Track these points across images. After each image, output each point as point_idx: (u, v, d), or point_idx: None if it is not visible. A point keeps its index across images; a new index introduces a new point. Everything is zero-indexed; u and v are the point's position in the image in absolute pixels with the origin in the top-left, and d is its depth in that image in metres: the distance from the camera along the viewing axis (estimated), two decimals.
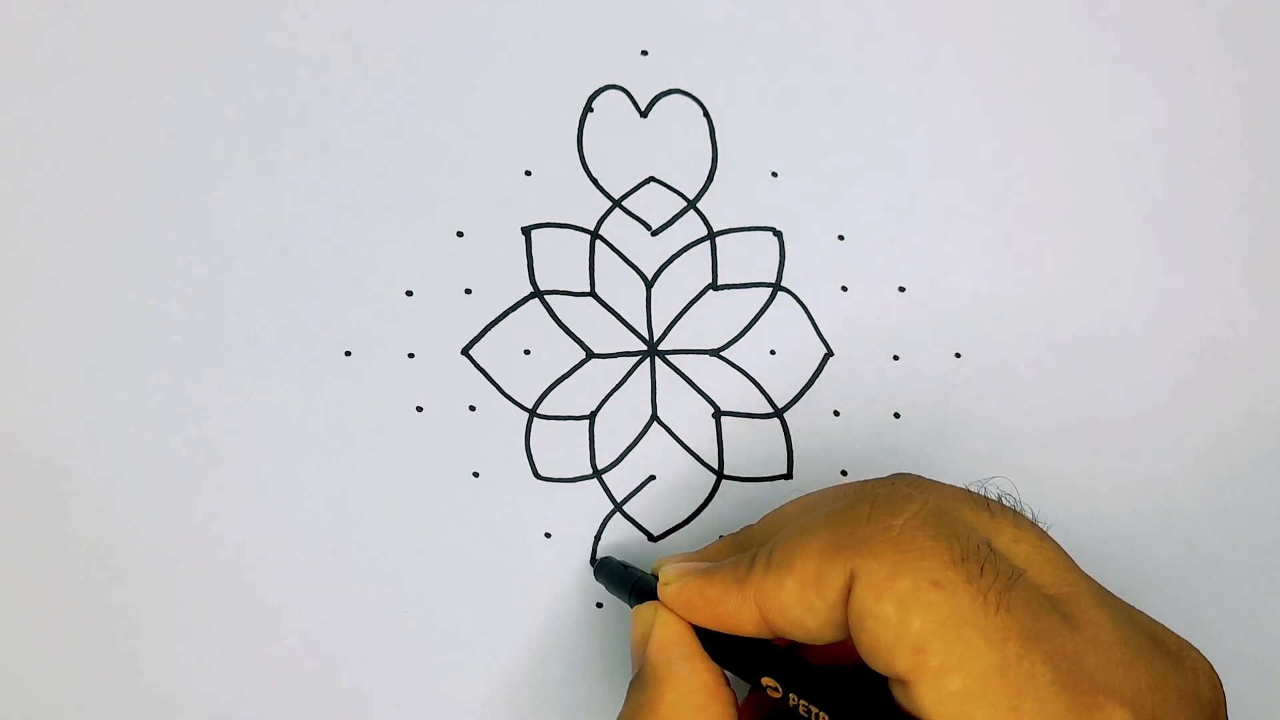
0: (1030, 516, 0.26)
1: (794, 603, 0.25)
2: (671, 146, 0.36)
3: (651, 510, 0.34)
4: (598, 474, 0.34)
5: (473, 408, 0.34)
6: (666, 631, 0.28)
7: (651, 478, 0.34)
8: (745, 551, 0.28)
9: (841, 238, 0.35)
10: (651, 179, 0.35)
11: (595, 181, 0.35)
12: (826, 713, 0.25)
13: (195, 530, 0.34)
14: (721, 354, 0.35)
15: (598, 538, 0.34)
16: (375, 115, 0.35)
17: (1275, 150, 0.36)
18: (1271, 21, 0.37)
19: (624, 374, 0.35)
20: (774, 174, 0.36)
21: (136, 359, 0.34)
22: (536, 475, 0.34)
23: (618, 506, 0.34)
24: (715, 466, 0.35)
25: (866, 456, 0.35)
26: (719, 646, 0.28)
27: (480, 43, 0.36)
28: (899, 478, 0.27)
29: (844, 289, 0.35)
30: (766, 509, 0.34)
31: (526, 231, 0.35)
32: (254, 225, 0.35)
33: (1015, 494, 0.26)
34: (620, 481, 0.34)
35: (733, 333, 0.35)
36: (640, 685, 0.28)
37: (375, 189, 0.35)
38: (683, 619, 0.28)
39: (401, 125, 0.35)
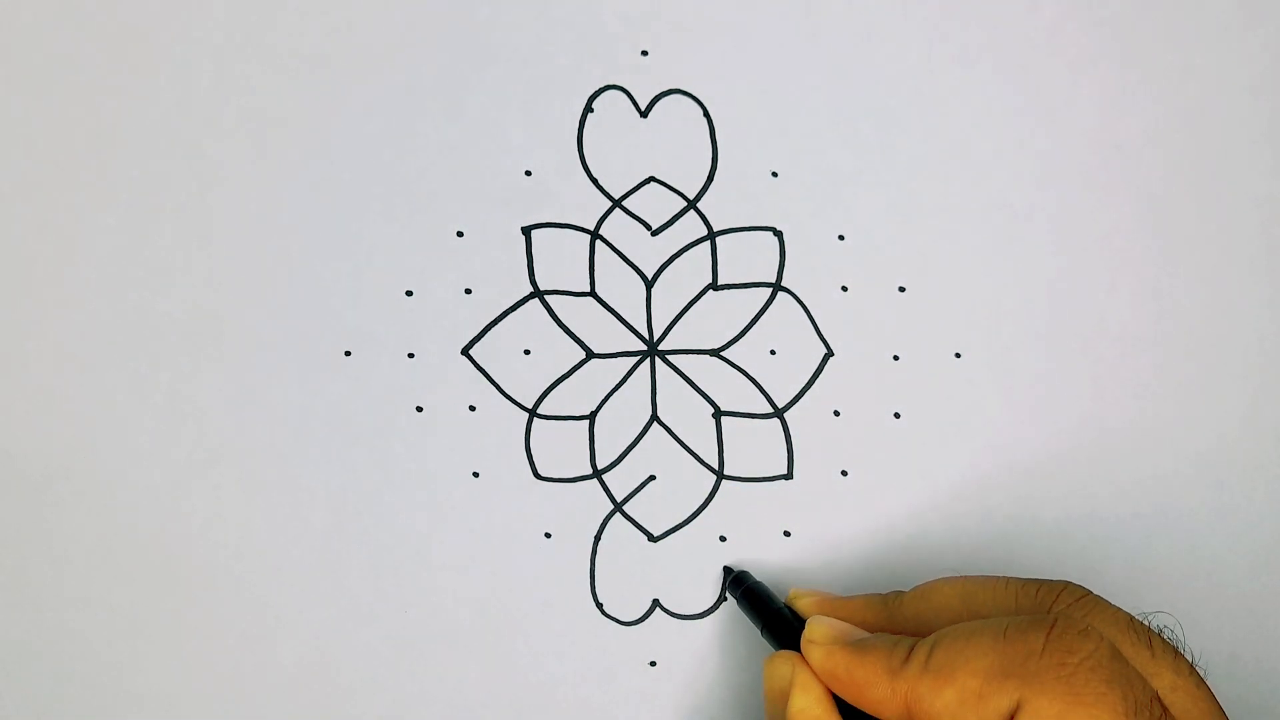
0: (1190, 659, 0.26)
1: (948, 714, 0.25)
2: (671, 146, 0.36)
3: (651, 510, 0.34)
4: (598, 474, 0.34)
5: (473, 408, 0.34)
6: (808, 699, 0.28)
7: (651, 478, 0.34)
8: (895, 628, 0.28)
9: (841, 238, 0.35)
10: (651, 179, 0.35)
11: (595, 181, 0.35)
12: None
13: (195, 530, 0.34)
14: (721, 354, 0.35)
15: (598, 538, 0.34)
16: (375, 115, 0.35)
17: (1275, 150, 0.36)
18: (1271, 21, 0.37)
19: (624, 374, 0.35)
20: (774, 174, 0.36)
21: (136, 359, 0.34)
22: (536, 475, 0.34)
23: (618, 506, 0.34)
24: (715, 466, 0.35)
25: (866, 456, 0.35)
26: (856, 717, 0.27)
27: (480, 43, 0.36)
28: (1066, 591, 0.27)
29: (844, 289, 0.35)
30: (767, 509, 0.34)
31: (526, 231, 0.35)
32: (254, 225, 0.35)
33: (1178, 632, 0.27)
34: (620, 481, 0.34)
35: (733, 333, 0.35)
36: None
37: (375, 189, 0.35)
38: (813, 678, 0.28)
39: (401, 125, 0.35)
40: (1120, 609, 0.26)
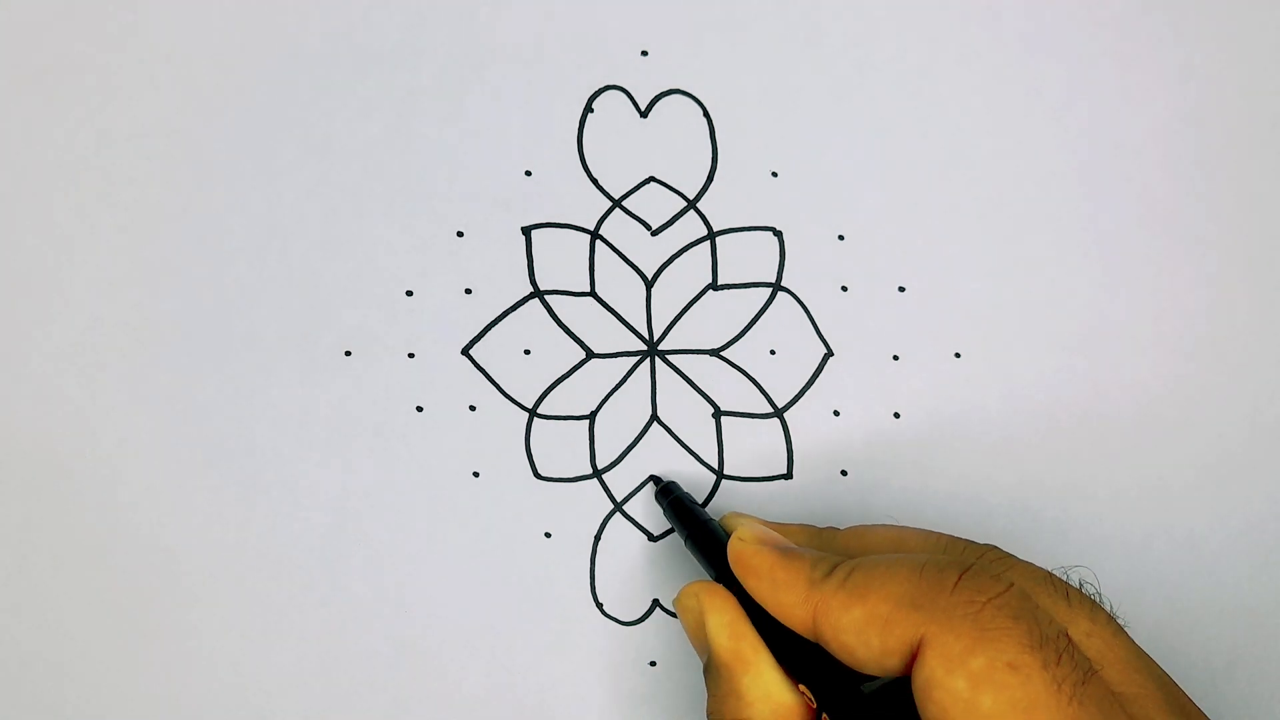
0: (1108, 610, 0.26)
1: (853, 631, 0.25)
2: (671, 146, 0.36)
3: (651, 510, 0.34)
4: (598, 474, 0.34)
5: (473, 408, 0.34)
6: (723, 617, 0.28)
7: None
8: (821, 553, 0.28)
9: (841, 238, 0.35)
10: (651, 179, 0.35)
11: (595, 181, 0.35)
12: None
13: (195, 530, 0.34)
14: (721, 354, 0.35)
15: (598, 538, 0.34)
16: (375, 115, 0.35)
17: (1275, 150, 0.36)
18: (1271, 21, 0.37)
19: (624, 374, 0.35)
20: (774, 174, 0.36)
21: (136, 359, 0.34)
22: (536, 475, 0.34)
23: (618, 506, 0.34)
24: (715, 466, 0.35)
25: (866, 456, 0.35)
26: (768, 629, 0.28)
27: (480, 43, 0.36)
28: (990, 550, 0.27)
29: (844, 289, 0.35)
30: (767, 509, 0.34)
31: (526, 231, 0.35)
32: (254, 225, 0.35)
33: (1096, 584, 0.27)
34: (620, 481, 0.34)
35: (733, 333, 0.35)
36: (715, 674, 0.28)
37: (375, 189, 0.35)
38: (731, 597, 0.28)
39: (401, 125, 0.35)
40: (1039, 566, 0.27)
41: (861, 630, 0.25)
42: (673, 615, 0.34)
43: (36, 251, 0.34)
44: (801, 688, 0.27)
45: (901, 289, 0.35)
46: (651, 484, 0.34)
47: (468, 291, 0.35)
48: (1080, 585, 0.27)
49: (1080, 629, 0.25)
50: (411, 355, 0.34)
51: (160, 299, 0.34)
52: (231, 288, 0.34)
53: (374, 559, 0.34)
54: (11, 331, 0.34)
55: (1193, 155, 0.36)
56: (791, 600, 0.27)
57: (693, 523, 0.31)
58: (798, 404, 0.35)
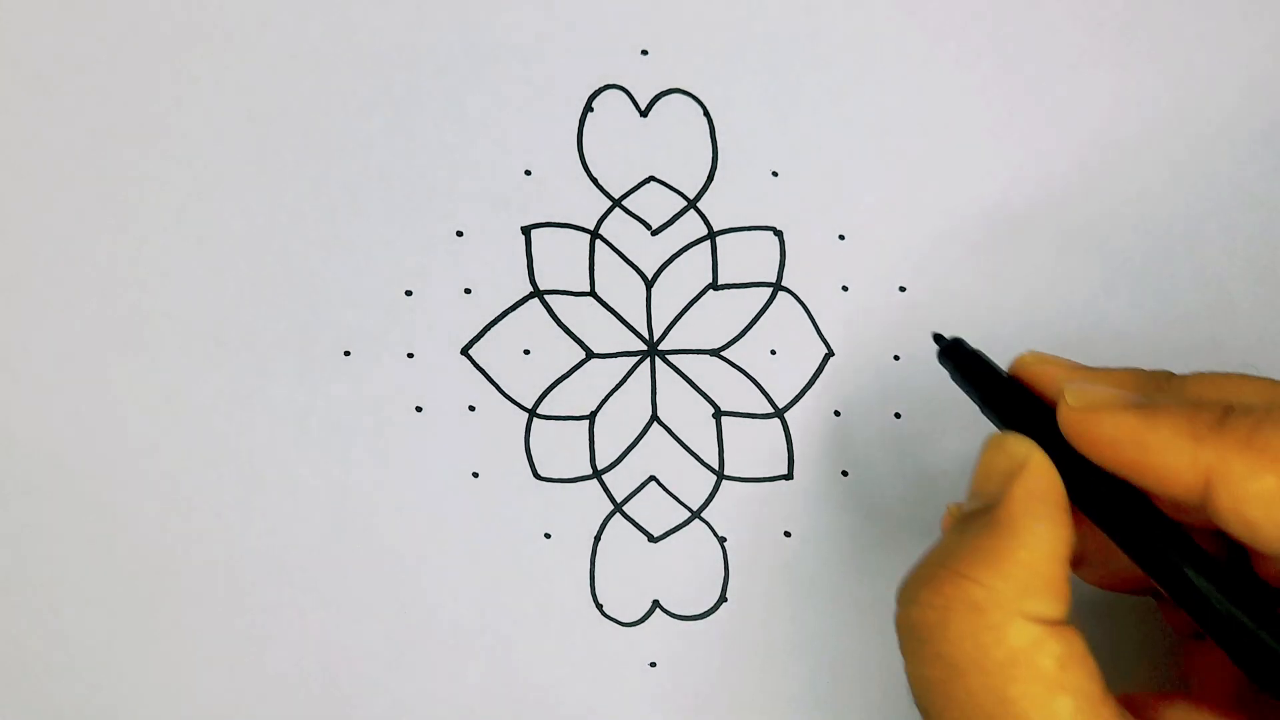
0: None
1: (1264, 504, 0.21)
2: (671, 146, 0.36)
3: (651, 510, 0.34)
4: (598, 474, 0.34)
5: (472, 408, 0.34)
6: (1042, 482, 0.23)
7: (652, 478, 0.34)
8: (1181, 399, 0.23)
9: (842, 237, 0.35)
10: (651, 179, 0.35)
11: (595, 181, 0.35)
12: (1246, 670, 0.21)
13: (195, 530, 0.34)
14: (721, 354, 0.35)
15: (597, 538, 0.34)
16: (375, 115, 0.35)
17: (1275, 150, 0.36)
18: (1271, 21, 0.37)
19: (624, 374, 0.35)
20: (774, 174, 0.36)
21: (136, 359, 0.34)
22: (536, 475, 0.34)
23: (618, 507, 0.34)
24: (715, 466, 0.35)
25: (867, 456, 0.35)
26: (1107, 505, 0.23)
27: (480, 43, 0.36)
28: None
29: (844, 289, 0.35)
30: (767, 509, 0.34)
31: (526, 231, 0.35)
32: (253, 225, 0.35)
33: None
34: (620, 481, 0.34)
35: (733, 333, 0.35)
36: (986, 527, 0.23)
37: (375, 189, 0.35)
38: (1055, 470, 0.24)
39: (401, 125, 0.35)
40: None
41: (1271, 504, 0.20)
42: (673, 616, 0.34)
43: (36, 251, 0.34)
44: (1179, 614, 0.22)
45: (902, 289, 0.35)
46: (934, 343, 0.29)
47: (467, 291, 0.35)
48: None
49: None
50: (411, 355, 0.34)
51: (160, 299, 0.34)
52: (231, 287, 0.34)
53: (373, 559, 0.34)
54: (11, 331, 0.34)
55: (1193, 155, 0.36)
56: (1173, 464, 0.21)
57: (987, 382, 0.26)
58: (798, 404, 0.35)
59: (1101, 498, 0.23)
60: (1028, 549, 0.23)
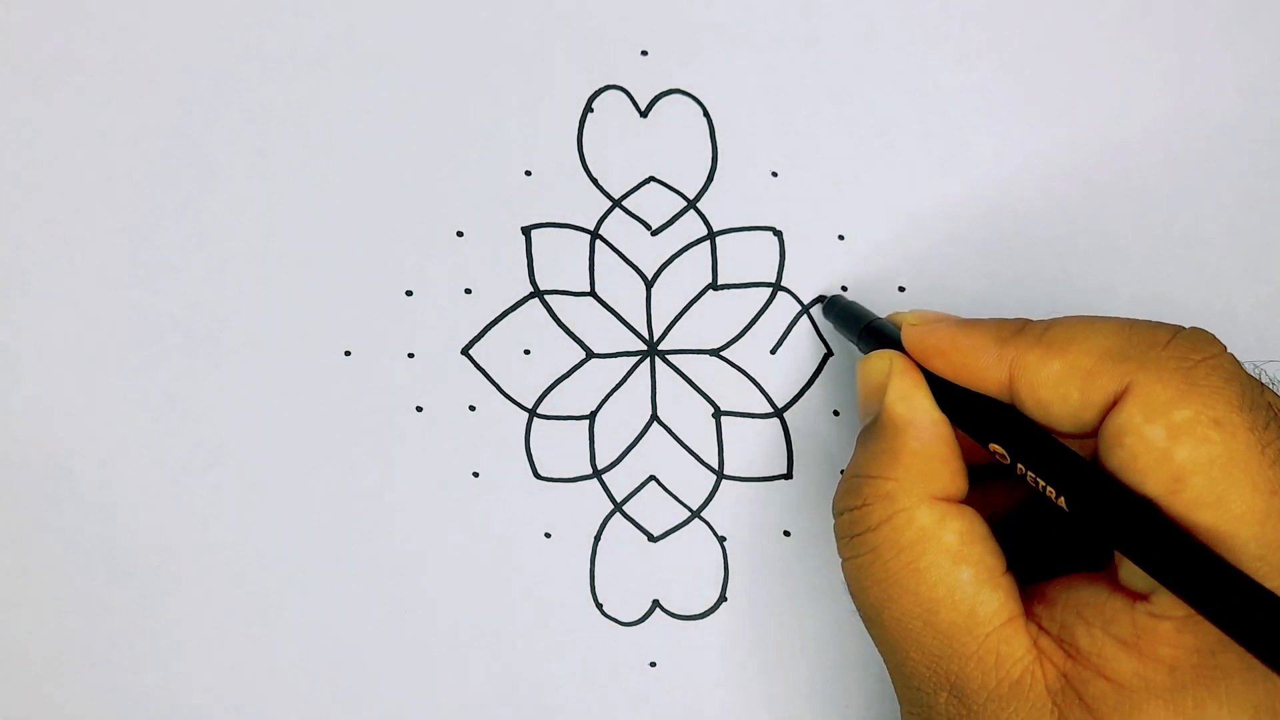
0: None
1: (1052, 385, 0.25)
2: (671, 146, 0.36)
3: (651, 510, 0.34)
4: (598, 474, 0.34)
5: (472, 408, 0.34)
6: (905, 382, 0.28)
7: (652, 478, 0.34)
8: (1003, 318, 0.27)
9: (841, 238, 0.35)
10: (651, 179, 0.35)
11: (595, 181, 0.35)
12: (1056, 489, 0.24)
13: (195, 530, 0.34)
14: (721, 354, 0.35)
15: (598, 538, 0.34)
16: (375, 115, 0.35)
17: (1275, 150, 0.36)
18: (1271, 21, 0.37)
19: (624, 374, 0.35)
20: (774, 174, 0.36)
21: (136, 359, 0.34)
22: (536, 475, 0.34)
23: (618, 506, 0.34)
24: (715, 466, 0.35)
25: None
26: (951, 400, 0.27)
27: (480, 43, 0.36)
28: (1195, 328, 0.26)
29: (844, 289, 0.35)
30: (767, 509, 0.34)
31: (526, 231, 0.35)
32: (254, 225, 0.35)
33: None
34: (620, 481, 0.34)
35: (733, 333, 0.35)
36: (878, 433, 0.27)
37: (375, 189, 0.35)
38: (917, 369, 0.28)
39: (401, 125, 0.35)
40: None
41: (1060, 383, 0.24)
42: (673, 616, 0.34)
43: (36, 251, 0.34)
44: (994, 446, 0.26)
45: (901, 289, 0.35)
46: (819, 305, 0.34)
47: (467, 291, 0.35)
48: (1274, 384, 0.26)
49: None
50: (411, 355, 0.34)
51: (160, 299, 0.34)
52: (231, 287, 0.34)
53: (374, 559, 0.34)
54: (11, 331, 0.34)
55: (1193, 155, 0.36)
56: (982, 364, 0.26)
57: (858, 325, 0.31)
58: (798, 404, 0.35)
59: (947, 396, 0.28)
60: (916, 439, 0.27)
